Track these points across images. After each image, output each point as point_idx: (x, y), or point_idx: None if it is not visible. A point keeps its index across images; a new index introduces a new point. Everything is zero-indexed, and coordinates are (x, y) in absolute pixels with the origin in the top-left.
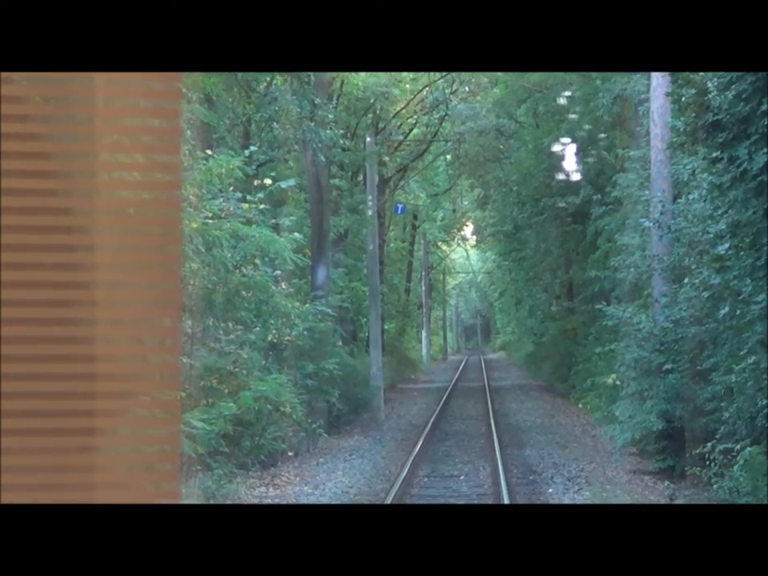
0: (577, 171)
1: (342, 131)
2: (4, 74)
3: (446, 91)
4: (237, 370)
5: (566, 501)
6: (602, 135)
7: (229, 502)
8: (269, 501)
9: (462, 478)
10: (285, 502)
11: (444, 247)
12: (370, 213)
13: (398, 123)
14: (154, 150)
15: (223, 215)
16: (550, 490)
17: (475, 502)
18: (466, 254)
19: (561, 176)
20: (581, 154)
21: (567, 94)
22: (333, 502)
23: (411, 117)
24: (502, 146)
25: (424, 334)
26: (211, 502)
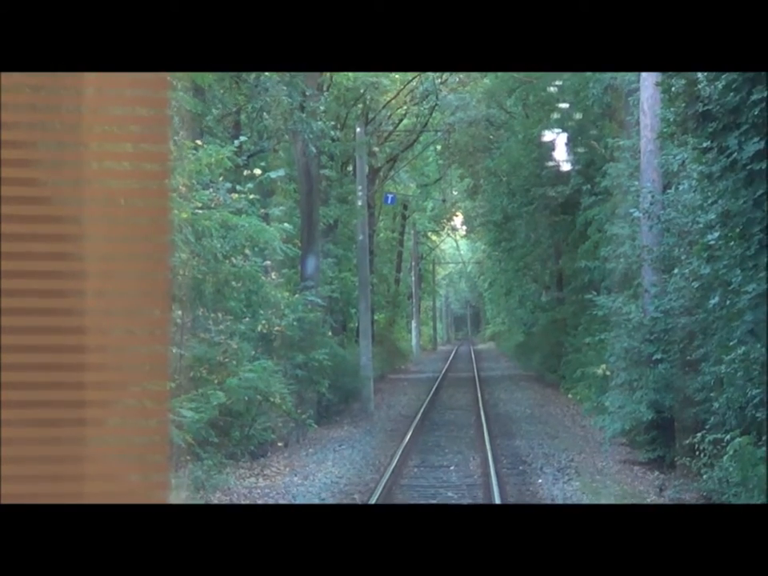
0: (567, 161)
1: (332, 122)
2: None
3: (436, 81)
4: (227, 360)
5: (556, 491)
6: (592, 125)
7: (218, 493)
8: (258, 491)
9: (452, 468)
10: (274, 493)
11: (434, 237)
12: (359, 203)
13: (388, 114)
14: (143, 140)
15: (213, 205)
16: (540, 481)
17: (465, 491)
18: (456, 244)
19: (551, 166)
20: (571, 144)
21: (558, 83)
22: (323, 492)
23: (401, 107)
24: (491, 136)
25: (414, 324)
26: (201, 492)
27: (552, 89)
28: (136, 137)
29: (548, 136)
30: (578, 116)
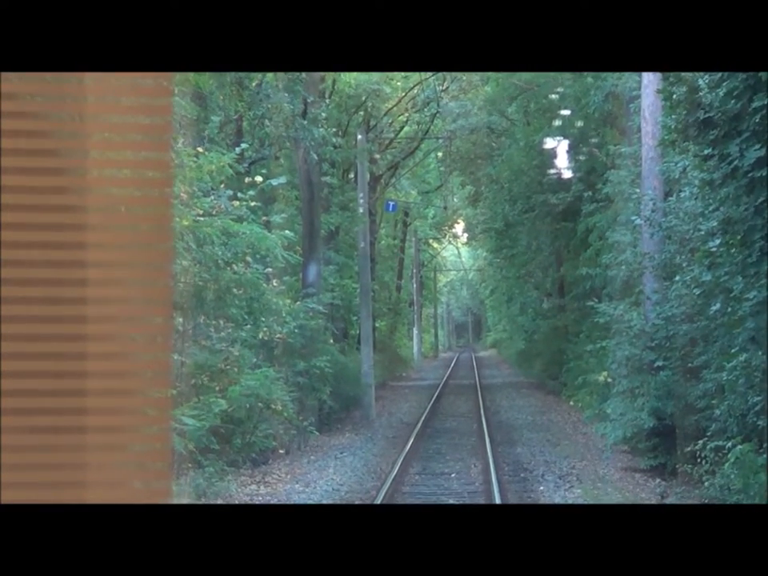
0: (568, 168)
1: (333, 129)
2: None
3: (438, 89)
4: (228, 367)
5: (558, 498)
6: (593, 132)
7: (220, 500)
8: (260, 499)
9: (453, 475)
10: (276, 501)
11: (435, 244)
12: (361, 210)
13: (390, 121)
14: (145, 147)
15: (214, 212)
16: (541, 488)
17: (466, 499)
18: (457, 251)
19: (552, 173)
20: (572, 151)
21: (559, 90)
22: (324, 500)
23: (402, 114)
24: (493, 144)
25: (415, 331)
26: (202, 499)
27: (553, 96)
28: (138, 144)
29: (549, 143)
30: (579, 123)
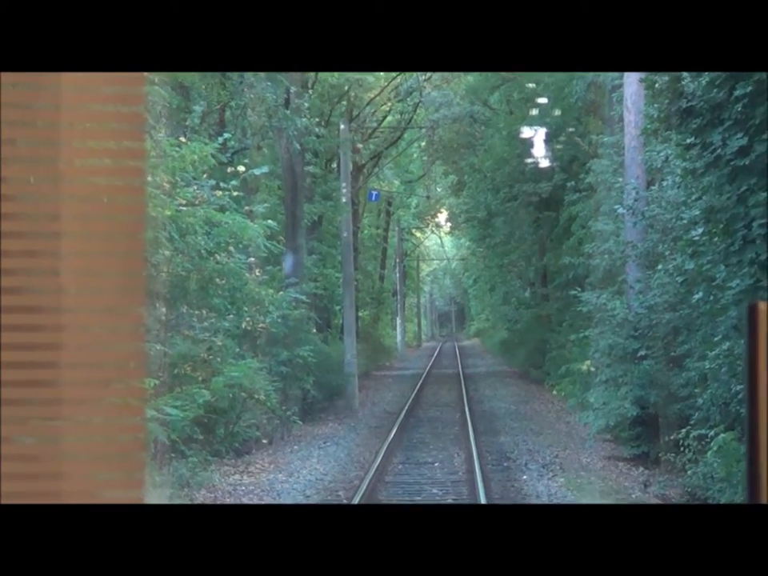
0: (550, 157)
1: (316, 119)
2: None
3: (420, 78)
4: (211, 357)
5: (541, 487)
6: (576, 122)
7: (203, 490)
8: (243, 488)
9: (436, 465)
10: (259, 490)
11: (418, 234)
12: (344, 200)
13: (372, 110)
14: (119, 137)
15: (197, 202)
16: (525, 477)
17: (449, 488)
18: (440, 240)
19: (534, 162)
20: (554, 140)
21: (541, 79)
22: (307, 489)
23: (385, 104)
24: (476, 133)
25: (398, 321)
26: (185, 489)
27: (532, 84)
28: (112, 134)
29: (532, 132)
30: (561, 112)
